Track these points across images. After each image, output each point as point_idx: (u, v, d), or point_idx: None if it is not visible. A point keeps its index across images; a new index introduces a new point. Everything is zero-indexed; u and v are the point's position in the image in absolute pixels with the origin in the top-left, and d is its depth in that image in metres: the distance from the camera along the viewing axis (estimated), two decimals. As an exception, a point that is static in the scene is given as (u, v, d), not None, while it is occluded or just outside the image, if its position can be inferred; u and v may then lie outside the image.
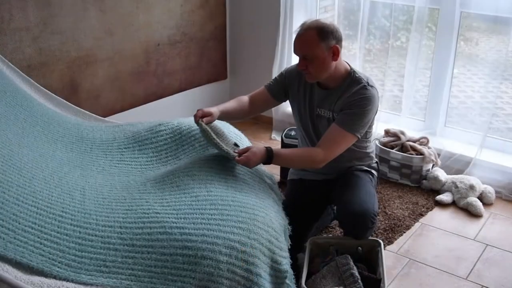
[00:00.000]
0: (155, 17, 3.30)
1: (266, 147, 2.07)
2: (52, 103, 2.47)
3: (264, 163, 2.07)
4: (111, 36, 3.09)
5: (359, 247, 2.18)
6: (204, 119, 2.06)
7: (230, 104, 2.29)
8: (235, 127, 2.49)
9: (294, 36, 2.14)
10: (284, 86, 2.34)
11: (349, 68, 2.20)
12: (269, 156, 2.04)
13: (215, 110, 2.14)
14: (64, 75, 2.92)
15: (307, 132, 2.34)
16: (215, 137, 2.01)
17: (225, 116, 2.23)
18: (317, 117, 2.25)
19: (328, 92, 2.20)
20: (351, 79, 2.16)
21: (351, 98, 2.12)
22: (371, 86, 2.14)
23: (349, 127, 2.10)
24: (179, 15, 3.45)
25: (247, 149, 2.02)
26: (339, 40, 2.09)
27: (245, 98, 2.37)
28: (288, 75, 2.33)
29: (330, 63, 2.10)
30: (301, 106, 2.30)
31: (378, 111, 3.34)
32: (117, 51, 3.15)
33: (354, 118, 2.11)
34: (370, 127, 2.27)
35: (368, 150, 2.35)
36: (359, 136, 2.15)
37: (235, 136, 2.37)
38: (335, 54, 2.09)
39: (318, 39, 2.05)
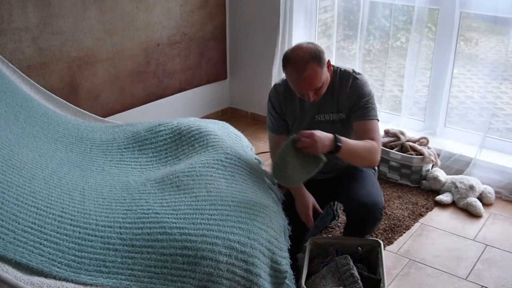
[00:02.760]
0: (155, 17, 3.30)
1: (333, 135, 1.96)
2: (52, 103, 2.47)
3: (330, 152, 1.95)
4: (111, 36, 3.09)
5: (359, 247, 2.18)
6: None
7: None
8: (235, 127, 2.49)
9: (289, 67, 2.03)
10: (283, 118, 2.28)
11: (332, 67, 2.21)
12: (336, 145, 1.94)
13: (309, 196, 2.17)
14: (64, 75, 2.92)
15: None
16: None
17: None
18: (316, 124, 2.23)
19: (322, 97, 2.18)
20: (339, 75, 2.18)
21: (354, 94, 2.14)
22: (359, 74, 2.19)
23: (373, 115, 2.15)
24: (179, 15, 3.45)
25: (310, 133, 1.90)
26: (324, 51, 2.09)
27: None
28: (277, 105, 2.26)
29: (328, 77, 2.11)
30: (298, 122, 2.26)
31: (378, 111, 3.36)
32: (117, 51, 3.15)
33: (370, 106, 2.15)
34: None
35: None
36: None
37: (235, 137, 2.37)
38: (329, 66, 2.11)
39: (320, 69, 2.02)
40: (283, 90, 2.22)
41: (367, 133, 2.12)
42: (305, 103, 2.22)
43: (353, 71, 2.20)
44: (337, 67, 2.20)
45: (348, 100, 2.16)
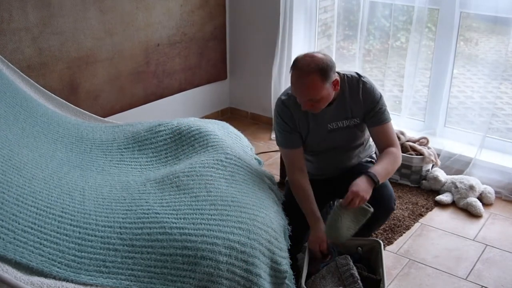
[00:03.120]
0: (155, 17, 3.30)
1: (367, 172, 2.03)
2: (52, 103, 2.47)
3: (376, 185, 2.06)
4: (111, 36, 3.09)
5: (359, 247, 2.18)
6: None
7: (312, 197, 2.18)
8: (235, 127, 2.49)
9: (290, 72, 2.04)
10: (297, 130, 2.23)
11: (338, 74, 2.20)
12: (374, 182, 2.03)
13: (322, 227, 2.10)
14: (63, 75, 2.92)
15: (322, 151, 2.29)
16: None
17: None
18: (329, 132, 2.23)
19: (333, 106, 2.18)
20: (347, 82, 2.18)
21: (367, 100, 2.18)
22: (364, 76, 2.22)
23: (387, 117, 2.23)
24: (179, 16, 3.45)
25: (353, 193, 1.96)
26: (335, 68, 2.07)
27: (304, 180, 2.21)
28: (289, 119, 2.20)
29: (332, 94, 2.10)
30: (311, 133, 2.24)
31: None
32: (116, 51, 3.15)
33: (383, 109, 2.21)
34: None
35: (370, 143, 2.41)
36: None
37: (235, 137, 2.37)
38: (337, 85, 2.08)
39: (323, 82, 2.00)
40: (292, 103, 2.16)
41: (385, 138, 2.22)
42: (317, 114, 2.18)
43: (358, 74, 2.21)
44: (344, 74, 2.19)
45: (363, 106, 2.19)
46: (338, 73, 2.18)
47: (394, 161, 2.19)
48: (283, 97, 2.21)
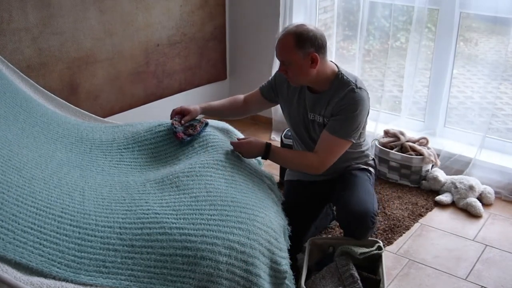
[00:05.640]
0: (154, 18, 3.30)
1: (266, 142, 2.13)
2: (52, 103, 2.47)
3: (262, 157, 2.17)
4: (111, 36, 3.09)
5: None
6: (183, 120, 2.22)
7: (219, 102, 2.42)
8: (234, 127, 2.49)
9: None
10: (274, 88, 2.36)
11: (336, 70, 2.17)
12: (266, 152, 2.13)
13: (195, 107, 2.27)
14: (63, 75, 2.92)
15: (300, 136, 2.33)
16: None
17: (210, 112, 2.36)
18: (310, 121, 2.24)
19: (317, 96, 2.18)
20: (339, 81, 2.13)
21: (341, 104, 2.10)
22: (360, 88, 2.11)
23: (342, 134, 2.11)
24: (179, 16, 3.45)
25: (245, 139, 2.14)
26: (319, 47, 2.05)
27: (240, 97, 2.47)
28: (279, 77, 2.32)
29: (308, 69, 2.07)
30: (293, 109, 2.29)
31: (377, 112, 3.35)
32: (116, 52, 3.15)
33: (346, 124, 2.10)
34: (363, 127, 2.26)
35: (363, 149, 2.35)
36: (353, 141, 2.16)
37: (235, 137, 2.37)
38: (314, 62, 2.06)
39: (295, 46, 2.03)
40: None
41: (321, 146, 2.15)
42: (304, 96, 2.23)
43: (356, 82, 2.13)
44: (341, 73, 2.16)
45: (333, 108, 2.13)
46: (339, 70, 2.17)
47: (301, 164, 2.19)
48: None
